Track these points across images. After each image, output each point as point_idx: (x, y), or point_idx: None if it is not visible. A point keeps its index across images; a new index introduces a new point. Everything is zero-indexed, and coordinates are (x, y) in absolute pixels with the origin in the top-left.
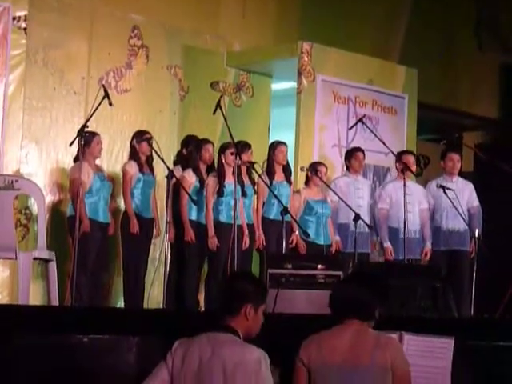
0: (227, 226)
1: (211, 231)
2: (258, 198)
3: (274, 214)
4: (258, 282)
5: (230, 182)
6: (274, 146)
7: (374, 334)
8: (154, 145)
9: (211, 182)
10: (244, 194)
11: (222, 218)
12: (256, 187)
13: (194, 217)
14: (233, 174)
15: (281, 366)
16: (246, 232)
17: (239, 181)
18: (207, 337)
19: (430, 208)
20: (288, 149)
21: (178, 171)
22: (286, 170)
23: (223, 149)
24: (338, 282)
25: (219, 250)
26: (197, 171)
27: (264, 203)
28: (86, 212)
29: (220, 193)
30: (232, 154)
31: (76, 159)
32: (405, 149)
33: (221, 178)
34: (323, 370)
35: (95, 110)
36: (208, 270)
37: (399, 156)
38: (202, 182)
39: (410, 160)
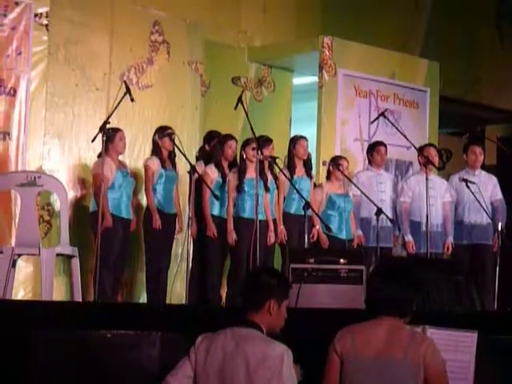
0: (249, 221)
1: (230, 226)
2: (279, 192)
3: (294, 208)
4: (281, 277)
5: (251, 177)
6: (295, 141)
7: (409, 331)
8: (176, 140)
9: (232, 177)
10: (267, 189)
11: (244, 213)
12: (277, 182)
13: (216, 212)
14: (254, 169)
15: (303, 363)
16: (272, 227)
17: (262, 176)
18: (231, 332)
19: (453, 201)
20: (309, 143)
21: (200, 167)
22: (307, 164)
23: (244, 144)
24: (372, 276)
25: (239, 245)
26: (219, 167)
27: (284, 198)
28: (108, 207)
29: (239, 188)
30: (253, 149)
31: (100, 155)
32: (427, 143)
33: (241, 173)
34: (356, 362)
35: (117, 106)
36: (230, 266)
37: (421, 149)
38: (224, 177)
39: (432, 152)
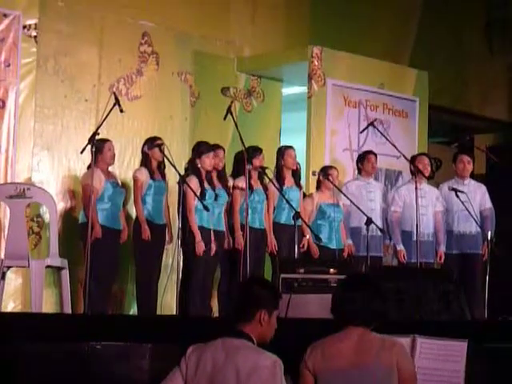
0: (204, 230)
1: (198, 236)
2: (268, 202)
3: (284, 218)
4: (271, 288)
5: (206, 187)
6: (283, 151)
7: (378, 337)
8: (166, 151)
9: (193, 184)
10: (216, 199)
11: (202, 222)
12: (267, 192)
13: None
14: (204, 179)
15: (293, 373)
16: (212, 238)
17: (212, 185)
18: (221, 342)
19: (444, 210)
20: (299, 153)
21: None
22: (296, 174)
23: (199, 154)
24: (338, 287)
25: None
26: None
27: (274, 208)
28: (97, 218)
29: (202, 196)
30: (208, 158)
31: (90, 167)
32: (416, 152)
33: (202, 182)
34: (329, 374)
35: (106, 117)
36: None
37: (414, 159)
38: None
39: (425, 161)
